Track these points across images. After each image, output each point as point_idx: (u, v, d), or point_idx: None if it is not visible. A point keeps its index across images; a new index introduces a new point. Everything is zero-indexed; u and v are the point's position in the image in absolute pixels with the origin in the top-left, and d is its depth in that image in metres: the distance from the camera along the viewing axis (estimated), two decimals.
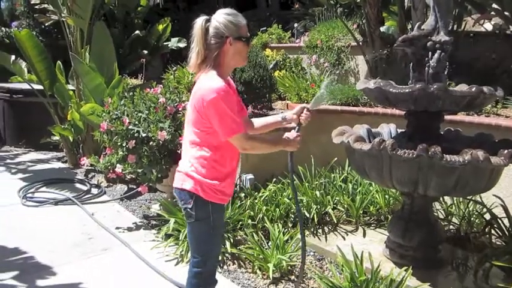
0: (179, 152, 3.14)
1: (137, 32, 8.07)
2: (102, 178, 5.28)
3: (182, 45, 8.39)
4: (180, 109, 3.95)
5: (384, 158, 2.69)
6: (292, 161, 2.45)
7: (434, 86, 2.69)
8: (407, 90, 2.76)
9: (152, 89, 4.16)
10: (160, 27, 8.42)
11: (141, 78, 7.84)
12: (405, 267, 2.69)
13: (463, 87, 2.97)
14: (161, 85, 4.37)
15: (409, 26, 5.65)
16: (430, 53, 2.88)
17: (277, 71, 6.23)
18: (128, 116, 3.85)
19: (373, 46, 5.94)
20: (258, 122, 2.44)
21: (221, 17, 2.08)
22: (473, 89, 2.74)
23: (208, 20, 2.09)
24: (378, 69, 5.84)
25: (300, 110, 2.38)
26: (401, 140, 2.99)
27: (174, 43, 8.53)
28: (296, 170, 4.25)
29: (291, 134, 2.29)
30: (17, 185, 5.02)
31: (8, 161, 6.18)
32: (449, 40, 2.85)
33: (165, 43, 8.54)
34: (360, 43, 6.19)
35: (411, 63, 3.01)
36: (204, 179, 2.11)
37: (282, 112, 5.19)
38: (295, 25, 8.86)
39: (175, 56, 9.17)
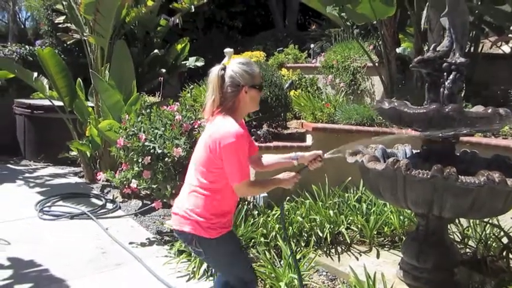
0: None
1: (156, 51, 8.21)
2: (117, 193, 5.34)
3: (200, 64, 8.51)
4: (195, 126, 3.99)
5: (398, 178, 2.67)
6: (282, 208, 2.84)
7: (449, 107, 2.68)
8: (421, 111, 2.75)
9: (169, 107, 4.23)
10: (179, 46, 8.56)
11: (159, 96, 7.95)
12: None
13: (479, 109, 2.95)
14: (178, 103, 4.44)
15: (426, 48, 5.66)
16: (445, 74, 2.88)
17: (293, 91, 6.28)
18: (144, 132, 3.91)
19: (389, 67, 5.96)
20: (269, 159, 2.49)
21: (236, 66, 2.17)
22: (489, 111, 2.72)
23: (223, 69, 2.16)
24: (393, 90, 5.85)
25: (313, 156, 2.45)
26: (417, 161, 2.96)
27: (192, 62, 8.64)
28: (310, 189, 4.25)
29: (290, 174, 2.33)
30: (34, 198, 5.11)
31: (27, 174, 6.30)
32: (465, 61, 2.84)
33: (183, 62, 8.66)
34: (376, 64, 6.22)
35: (426, 84, 3.02)
36: (203, 219, 2.14)
37: (296, 131, 5.23)
38: (312, 45, 8.95)
39: (193, 75, 9.31)
